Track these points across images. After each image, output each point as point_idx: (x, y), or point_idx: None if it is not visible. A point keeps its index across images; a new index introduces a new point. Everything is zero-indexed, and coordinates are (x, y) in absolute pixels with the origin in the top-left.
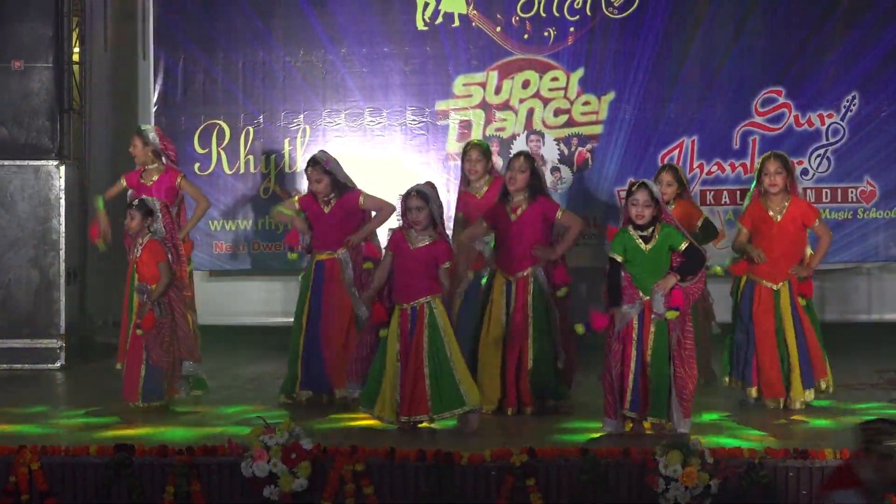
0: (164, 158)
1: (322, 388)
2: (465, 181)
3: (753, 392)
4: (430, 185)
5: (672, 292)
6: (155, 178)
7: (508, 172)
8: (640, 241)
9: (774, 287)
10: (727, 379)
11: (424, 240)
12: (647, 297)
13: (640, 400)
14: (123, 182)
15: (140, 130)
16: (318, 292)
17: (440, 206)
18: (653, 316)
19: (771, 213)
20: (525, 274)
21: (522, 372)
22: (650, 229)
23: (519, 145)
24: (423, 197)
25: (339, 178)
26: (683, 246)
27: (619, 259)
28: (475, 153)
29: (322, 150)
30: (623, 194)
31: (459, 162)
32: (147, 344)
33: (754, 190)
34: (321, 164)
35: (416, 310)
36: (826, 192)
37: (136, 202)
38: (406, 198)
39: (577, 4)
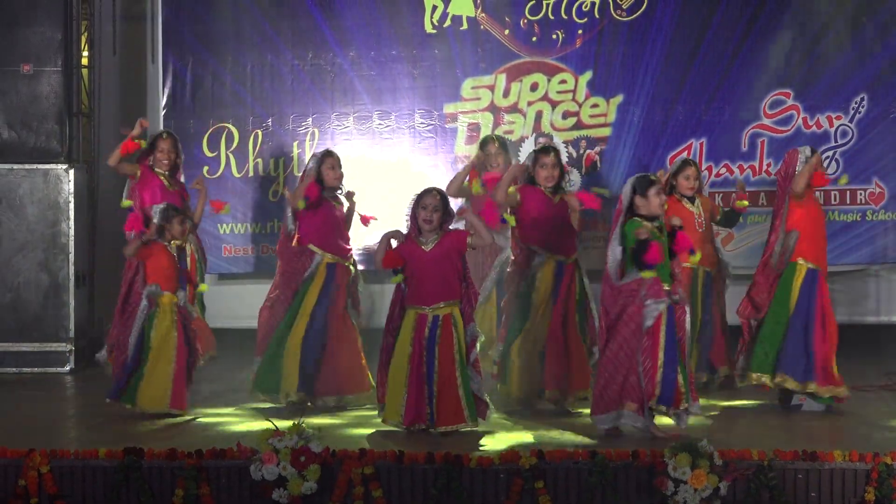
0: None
1: (311, 392)
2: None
3: (813, 387)
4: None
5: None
6: (173, 186)
7: (543, 171)
8: (657, 230)
9: (820, 269)
10: (770, 377)
11: (434, 240)
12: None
13: (672, 393)
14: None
15: (169, 132)
16: (327, 297)
17: (452, 214)
18: (675, 298)
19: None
20: (574, 259)
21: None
22: (661, 221)
23: (527, 148)
24: (442, 197)
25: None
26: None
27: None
28: (493, 146)
29: None
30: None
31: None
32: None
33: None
34: (337, 155)
35: (439, 318)
36: (835, 195)
37: (176, 209)
38: (423, 195)
39: (586, 7)
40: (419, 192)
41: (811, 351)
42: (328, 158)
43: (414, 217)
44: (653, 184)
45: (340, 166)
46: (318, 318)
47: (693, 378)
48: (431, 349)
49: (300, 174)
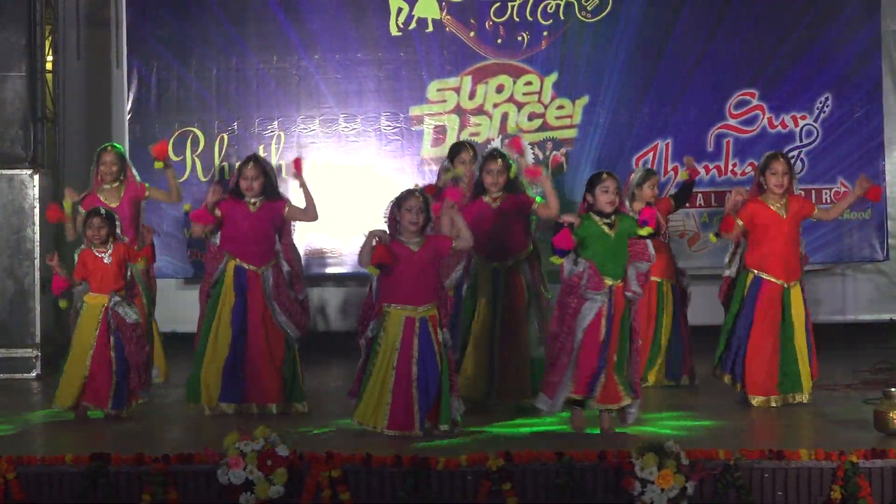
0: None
1: (245, 400)
2: (480, 189)
3: (739, 387)
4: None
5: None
6: (121, 194)
7: (489, 176)
8: (606, 227)
9: (786, 285)
10: (719, 373)
11: (418, 242)
12: (617, 283)
13: (601, 389)
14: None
15: (113, 145)
16: (243, 300)
17: (432, 217)
18: (628, 294)
19: (775, 209)
20: (514, 263)
21: (521, 364)
22: (612, 217)
23: None
24: (425, 199)
25: (273, 182)
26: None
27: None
28: (467, 154)
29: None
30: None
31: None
32: (125, 345)
33: (753, 188)
34: (261, 163)
35: (426, 320)
36: (800, 194)
37: (104, 212)
38: (407, 198)
39: (551, 9)
40: (401, 195)
41: (743, 362)
42: (243, 168)
43: (393, 219)
44: (601, 181)
45: (257, 177)
46: (239, 325)
47: (638, 380)
48: (429, 352)
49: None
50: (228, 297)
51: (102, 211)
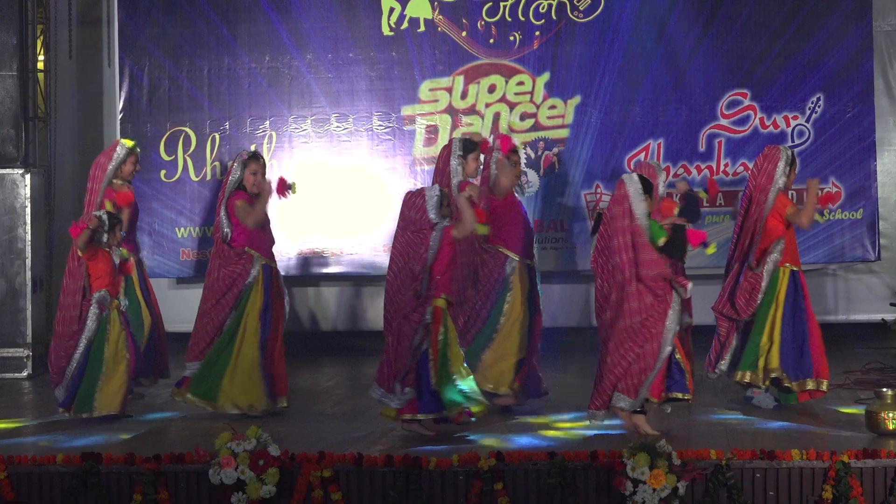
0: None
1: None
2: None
3: (811, 384)
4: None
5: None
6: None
7: (513, 168)
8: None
9: (800, 269)
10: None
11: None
12: None
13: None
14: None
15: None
16: (269, 300)
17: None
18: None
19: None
20: (535, 260)
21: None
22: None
23: None
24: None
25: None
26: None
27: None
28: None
29: None
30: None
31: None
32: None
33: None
34: (263, 160)
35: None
36: (792, 194)
37: (116, 215)
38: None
39: (543, 9)
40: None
41: (806, 350)
42: (252, 164)
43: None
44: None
45: (264, 173)
46: (266, 325)
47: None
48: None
49: (223, 177)
50: (258, 299)
51: (113, 215)
